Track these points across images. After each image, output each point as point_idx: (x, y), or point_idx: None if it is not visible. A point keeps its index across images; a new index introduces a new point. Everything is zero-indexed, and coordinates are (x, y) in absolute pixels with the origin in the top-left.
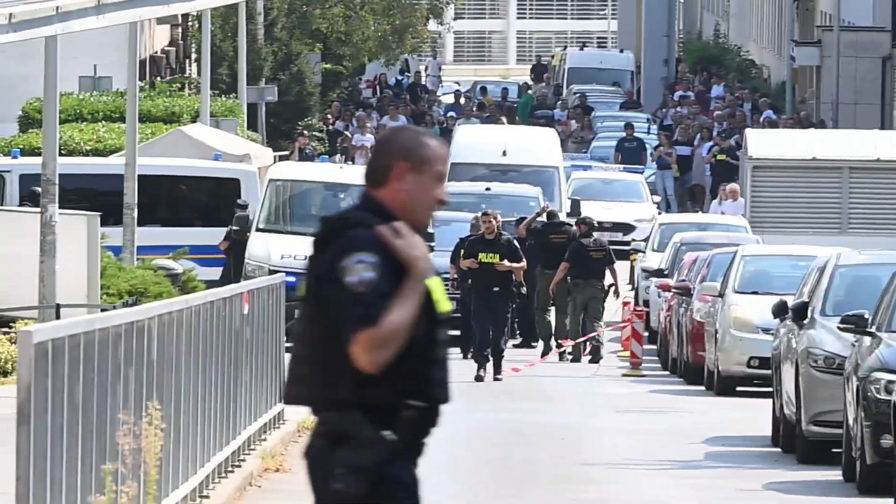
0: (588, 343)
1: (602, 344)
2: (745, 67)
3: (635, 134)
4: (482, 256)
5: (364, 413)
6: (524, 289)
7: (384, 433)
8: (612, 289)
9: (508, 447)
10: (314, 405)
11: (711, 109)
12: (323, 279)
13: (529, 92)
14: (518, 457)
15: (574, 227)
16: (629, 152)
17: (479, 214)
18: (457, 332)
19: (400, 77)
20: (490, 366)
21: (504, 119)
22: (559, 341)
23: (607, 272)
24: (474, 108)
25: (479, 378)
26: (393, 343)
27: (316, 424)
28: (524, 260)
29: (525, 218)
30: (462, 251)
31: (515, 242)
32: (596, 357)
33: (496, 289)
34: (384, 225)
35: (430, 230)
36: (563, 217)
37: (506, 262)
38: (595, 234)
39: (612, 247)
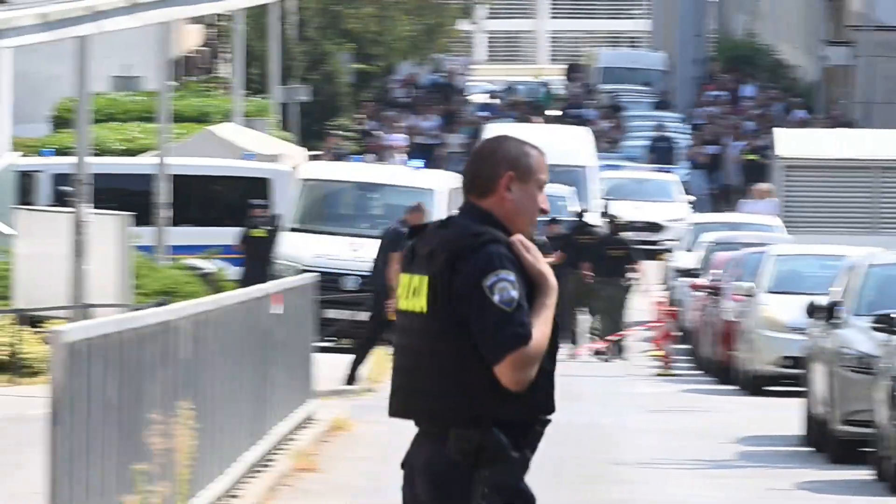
0: (615, 343)
1: (623, 338)
2: (776, 67)
3: (667, 134)
4: None
5: (500, 430)
6: None
7: (524, 450)
8: (639, 286)
9: (540, 447)
10: (439, 420)
11: (742, 108)
12: (461, 297)
13: (555, 90)
14: (548, 456)
15: (601, 228)
16: (661, 152)
17: None
18: None
19: (435, 76)
20: None
21: (540, 118)
22: (593, 338)
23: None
24: (507, 108)
25: None
26: (538, 360)
27: (438, 438)
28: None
29: (556, 219)
30: None
31: (539, 239)
32: (621, 354)
33: None
34: (513, 239)
35: None
36: (595, 216)
37: None
38: (620, 233)
39: (643, 246)
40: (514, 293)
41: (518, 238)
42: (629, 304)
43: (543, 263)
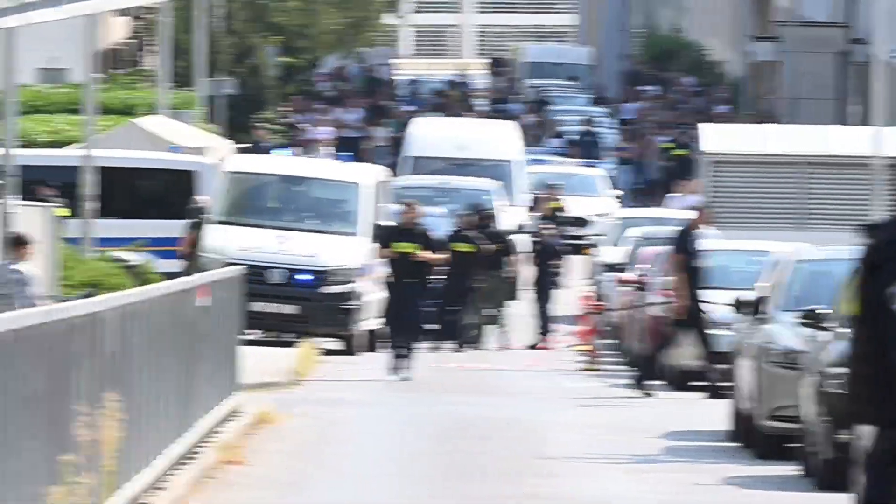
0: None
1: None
2: (701, 62)
3: (594, 129)
4: (397, 246)
5: None
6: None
7: None
8: (512, 279)
9: (464, 442)
10: (886, 422)
11: (674, 102)
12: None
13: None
14: (473, 451)
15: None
16: (588, 146)
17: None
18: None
19: (360, 69)
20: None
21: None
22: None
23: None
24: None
25: (393, 371)
26: None
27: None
28: (442, 252)
29: (483, 210)
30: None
31: (434, 233)
32: (475, 339)
33: (410, 280)
34: None
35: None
36: (523, 210)
37: (423, 252)
38: (493, 227)
39: (572, 241)
40: None
41: None
42: (505, 293)
43: None
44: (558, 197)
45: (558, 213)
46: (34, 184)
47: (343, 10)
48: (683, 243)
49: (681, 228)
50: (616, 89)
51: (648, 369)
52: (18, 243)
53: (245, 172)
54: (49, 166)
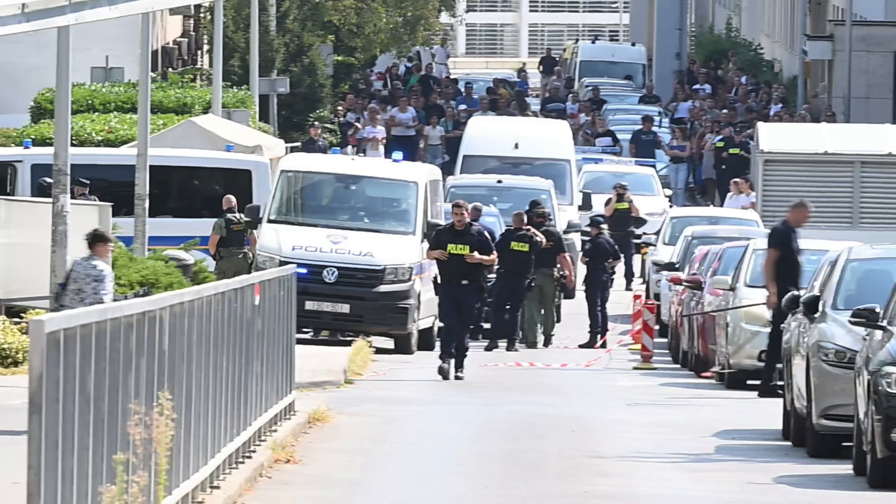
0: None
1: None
2: (756, 61)
3: (653, 127)
4: (451, 248)
5: None
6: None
7: None
8: (564, 278)
9: (519, 440)
10: None
11: (726, 104)
12: None
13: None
14: (529, 449)
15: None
16: (647, 145)
17: (451, 205)
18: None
19: (409, 65)
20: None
21: (527, 111)
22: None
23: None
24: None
25: (442, 371)
26: None
27: None
28: (494, 253)
29: (521, 213)
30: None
31: (486, 234)
32: (547, 342)
33: (464, 282)
34: None
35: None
36: (574, 209)
37: (475, 254)
38: (546, 225)
39: (632, 241)
40: None
41: None
42: (556, 291)
43: None
44: (630, 198)
45: (633, 215)
46: (75, 184)
47: (397, 8)
48: (779, 239)
49: (777, 225)
50: (669, 88)
51: (769, 369)
52: (98, 240)
53: (300, 171)
54: (103, 165)
